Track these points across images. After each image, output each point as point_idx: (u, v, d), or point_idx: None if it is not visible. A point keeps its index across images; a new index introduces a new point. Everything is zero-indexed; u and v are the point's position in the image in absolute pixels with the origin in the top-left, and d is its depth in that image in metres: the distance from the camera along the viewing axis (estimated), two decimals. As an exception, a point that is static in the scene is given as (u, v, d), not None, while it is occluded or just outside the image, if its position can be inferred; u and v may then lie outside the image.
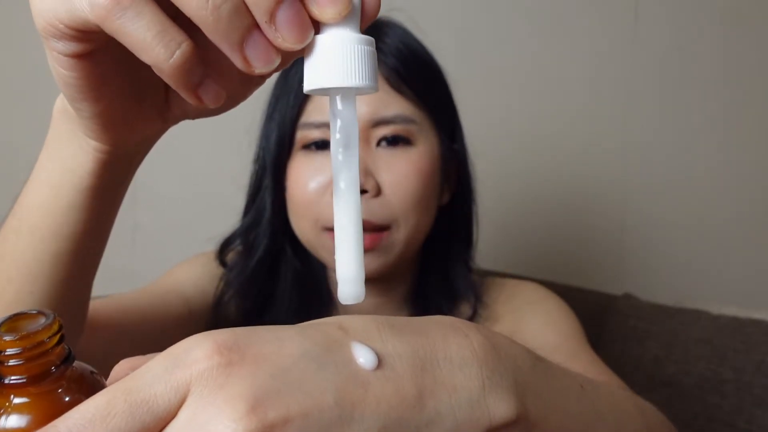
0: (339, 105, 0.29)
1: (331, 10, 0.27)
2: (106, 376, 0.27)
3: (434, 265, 0.73)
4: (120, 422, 0.22)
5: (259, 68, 0.28)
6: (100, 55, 0.31)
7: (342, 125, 0.29)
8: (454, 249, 0.73)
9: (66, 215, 0.41)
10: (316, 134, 0.65)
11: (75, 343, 0.49)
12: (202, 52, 0.28)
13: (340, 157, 0.29)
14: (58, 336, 0.25)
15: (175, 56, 0.27)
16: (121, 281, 0.76)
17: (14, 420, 0.24)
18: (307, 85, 0.29)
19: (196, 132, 0.74)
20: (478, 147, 0.75)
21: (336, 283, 0.30)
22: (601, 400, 0.37)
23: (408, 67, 0.65)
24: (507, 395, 0.28)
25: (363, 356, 0.26)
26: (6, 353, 0.24)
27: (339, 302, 0.31)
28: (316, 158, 0.65)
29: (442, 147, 0.68)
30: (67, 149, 0.39)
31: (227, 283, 0.71)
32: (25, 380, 0.24)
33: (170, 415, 0.23)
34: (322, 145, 0.65)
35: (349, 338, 0.26)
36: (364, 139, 0.64)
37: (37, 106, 0.69)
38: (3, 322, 0.25)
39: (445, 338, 0.28)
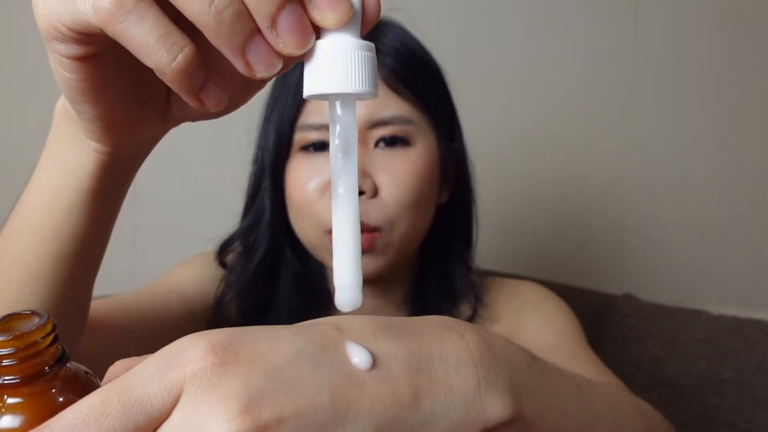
0: (338, 110, 0.29)
1: (332, 16, 0.27)
2: (107, 377, 0.27)
3: (434, 265, 0.73)
4: (113, 422, 0.22)
5: (260, 73, 0.28)
6: (102, 57, 0.31)
7: (341, 131, 0.29)
8: (454, 248, 0.73)
9: (67, 216, 0.41)
10: (314, 136, 0.65)
11: (75, 344, 0.49)
12: (204, 56, 0.28)
13: (339, 162, 0.29)
14: (51, 336, 0.25)
15: (177, 60, 0.27)
16: (121, 282, 0.76)
17: (8, 420, 0.24)
18: (307, 91, 0.29)
19: (196, 134, 0.74)
20: (478, 147, 0.75)
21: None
22: (599, 401, 0.37)
23: (406, 67, 0.65)
24: (502, 395, 0.28)
25: (358, 356, 0.26)
26: (-1, 353, 0.24)
27: None
28: (315, 159, 0.65)
29: (440, 147, 0.68)
30: (68, 151, 0.39)
31: (228, 284, 0.71)
32: (18, 380, 0.24)
33: (164, 415, 0.23)
34: (321, 147, 0.65)
35: (345, 338, 0.26)
36: (362, 139, 0.64)
37: (38, 107, 0.69)
38: (-3, 323, 0.25)
39: (441, 338, 0.28)
